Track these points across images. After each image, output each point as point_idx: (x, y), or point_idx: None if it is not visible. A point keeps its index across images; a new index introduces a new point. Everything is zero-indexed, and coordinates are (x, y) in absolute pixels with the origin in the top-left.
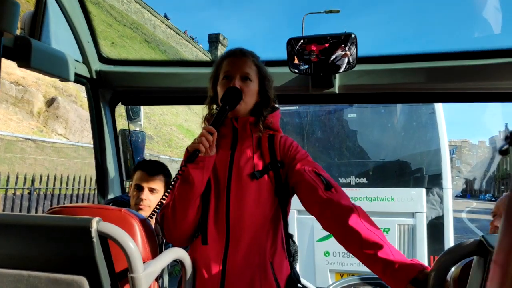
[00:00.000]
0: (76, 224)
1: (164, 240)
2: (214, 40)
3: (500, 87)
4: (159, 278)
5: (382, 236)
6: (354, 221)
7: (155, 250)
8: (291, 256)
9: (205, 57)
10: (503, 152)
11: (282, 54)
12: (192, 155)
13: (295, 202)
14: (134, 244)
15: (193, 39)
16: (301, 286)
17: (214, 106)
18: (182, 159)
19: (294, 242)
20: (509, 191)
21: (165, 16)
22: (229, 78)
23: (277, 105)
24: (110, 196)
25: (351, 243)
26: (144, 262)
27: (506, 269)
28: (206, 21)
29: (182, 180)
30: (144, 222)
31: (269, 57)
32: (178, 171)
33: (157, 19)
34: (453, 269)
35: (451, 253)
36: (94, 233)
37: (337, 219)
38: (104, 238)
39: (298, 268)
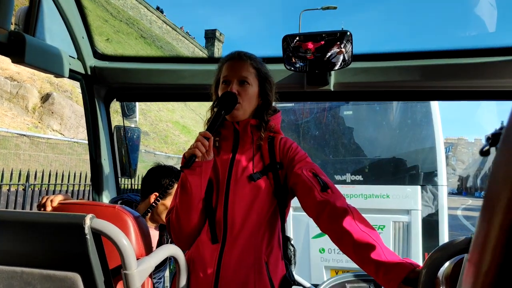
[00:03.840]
0: (69, 220)
1: (169, 240)
2: (210, 36)
3: (496, 85)
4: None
5: (376, 236)
6: (348, 222)
7: (149, 247)
8: (288, 259)
9: (202, 53)
10: (484, 153)
11: (278, 51)
12: (188, 160)
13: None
14: (128, 241)
15: (189, 35)
16: (295, 286)
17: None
18: (178, 155)
19: (292, 245)
20: (484, 191)
21: (160, 10)
22: (228, 82)
23: (274, 103)
24: (105, 193)
25: (344, 244)
26: (137, 259)
27: (479, 268)
28: (203, 17)
29: (181, 187)
30: (138, 219)
31: (265, 54)
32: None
33: (154, 14)
34: (445, 266)
35: (442, 250)
36: (87, 230)
37: (332, 221)
38: (98, 234)
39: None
